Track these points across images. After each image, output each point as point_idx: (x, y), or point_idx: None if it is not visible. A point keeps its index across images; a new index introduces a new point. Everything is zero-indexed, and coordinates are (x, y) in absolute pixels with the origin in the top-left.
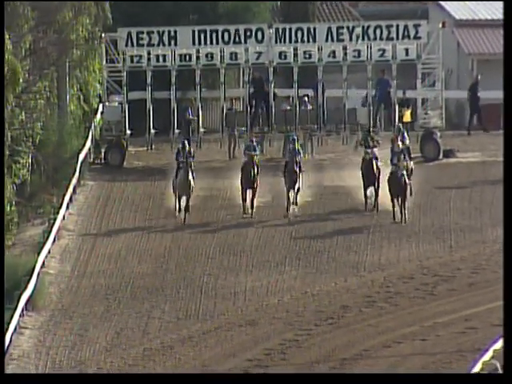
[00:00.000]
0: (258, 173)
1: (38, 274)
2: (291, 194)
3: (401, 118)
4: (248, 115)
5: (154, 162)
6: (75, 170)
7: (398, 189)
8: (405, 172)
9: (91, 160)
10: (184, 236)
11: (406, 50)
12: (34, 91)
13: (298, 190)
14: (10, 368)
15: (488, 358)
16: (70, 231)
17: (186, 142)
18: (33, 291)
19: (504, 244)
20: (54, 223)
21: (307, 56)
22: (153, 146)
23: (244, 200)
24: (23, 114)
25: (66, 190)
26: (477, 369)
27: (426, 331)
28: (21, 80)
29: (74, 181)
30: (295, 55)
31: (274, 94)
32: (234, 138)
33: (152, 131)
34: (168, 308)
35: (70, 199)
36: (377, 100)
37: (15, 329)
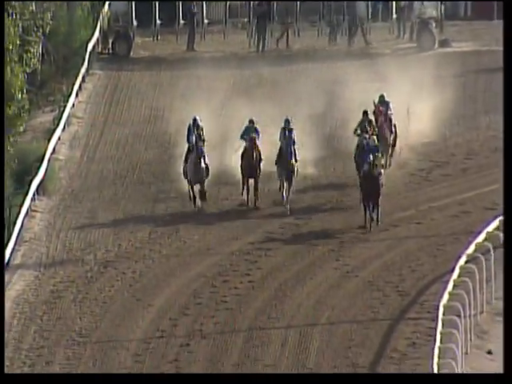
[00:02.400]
0: (260, 159)
1: (49, 160)
2: (285, 185)
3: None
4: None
5: (160, 51)
6: (84, 60)
7: (371, 192)
8: (382, 171)
9: (99, 50)
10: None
11: None
12: None
13: (293, 179)
14: (22, 250)
15: (481, 240)
16: (79, 118)
17: (198, 118)
18: (43, 176)
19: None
20: (63, 111)
21: None
22: (158, 37)
23: (246, 189)
24: (33, 4)
25: (76, 79)
26: (470, 250)
27: (422, 215)
28: None
29: (82, 70)
30: None
31: None
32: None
33: (158, 22)
34: (173, 192)
35: (79, 87)
36: None
37: (27, 212)
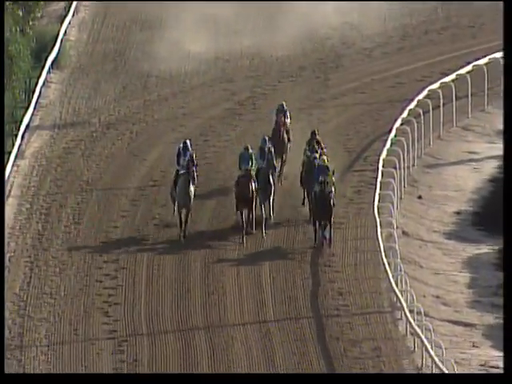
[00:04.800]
0: (255, 189)
1: (61, 41)
2: (266, 205)
3: None
4: None
5: None
6: None
7: (323, 212)
8: (332, 189)
9: None
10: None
11: None
12: None
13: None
14: (40, 114)
15: (413, 107)
16: (86, 6)
17: (188, 141)
18: (57, 54)
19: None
20: None
21: None
22: None
23: (241, 223)
24: None
25: None
26: (404, 115)
27: (365, 86)
28: None
29: None
30: None
31: None
32: None
33: None
34: (163, 67)
35: None
36: None
37: (43, 83)
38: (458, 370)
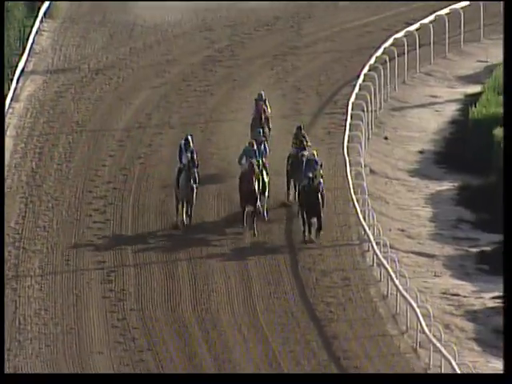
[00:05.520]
0: (259, 187)
1: None
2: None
3: None
4: None
5: None
6: None
7: (312, 207)
8: (321, 180)
9: None
10: None
11: None
12: None
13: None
14: (33, 60)
15: (379, 54)
16: None
17: (190, 137)
18: (49, 4)
19: None
20: None
21: None
22: None
23: (244, 218)
24: None
25: None
26: (371, 61)
27: (335, 36)
28: None
29: None
30: None
31: None
32: None
33: None
34: (148, 17)
35: None
36: None
37: (37, 32)
38: (420, 298)
